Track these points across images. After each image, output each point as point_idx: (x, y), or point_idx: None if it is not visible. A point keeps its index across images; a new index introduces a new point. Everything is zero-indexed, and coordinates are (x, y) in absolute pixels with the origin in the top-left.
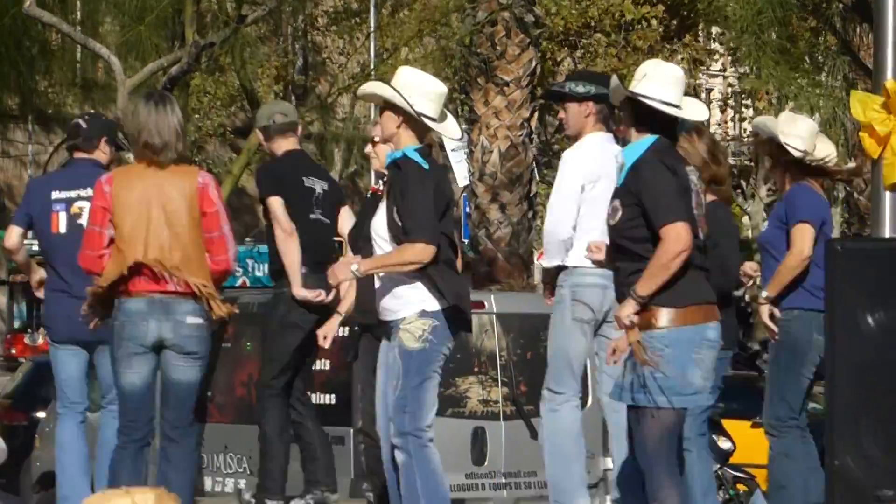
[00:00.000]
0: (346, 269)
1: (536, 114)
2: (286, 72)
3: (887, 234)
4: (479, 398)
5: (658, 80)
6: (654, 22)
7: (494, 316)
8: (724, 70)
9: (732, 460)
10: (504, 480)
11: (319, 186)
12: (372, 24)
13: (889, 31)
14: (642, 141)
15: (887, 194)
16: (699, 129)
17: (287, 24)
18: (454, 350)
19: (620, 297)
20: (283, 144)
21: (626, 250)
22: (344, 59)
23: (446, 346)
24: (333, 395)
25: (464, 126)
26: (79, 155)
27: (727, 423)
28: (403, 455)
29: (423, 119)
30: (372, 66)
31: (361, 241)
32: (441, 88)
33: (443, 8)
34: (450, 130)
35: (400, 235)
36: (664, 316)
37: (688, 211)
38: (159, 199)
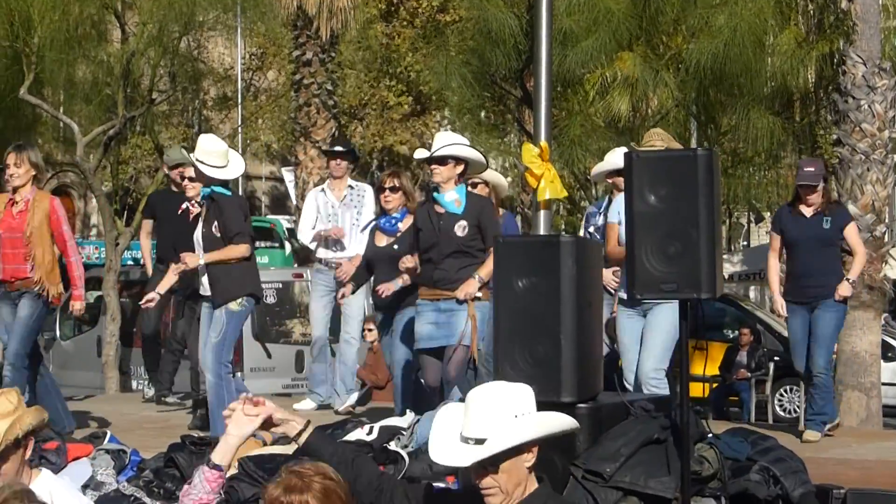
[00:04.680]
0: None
1: None
2: (187, 133)
3: (542, 232)
4: (300, 332)
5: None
6: (405, 105)
7: (309, 282)
8: None
9: None
10: None
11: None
12: (239, 104)
13: (542, 113)
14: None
15: (541, 210)
16: None
17: (189, 104)
18: (285, 300)
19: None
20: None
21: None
22: (221, 125)
23: None
24: None
25: (293, 166)
26: None
27: None
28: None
29: None
30: (239, 130)
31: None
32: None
33: (279, 94)
34: None
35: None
36: None
37: None
38: None
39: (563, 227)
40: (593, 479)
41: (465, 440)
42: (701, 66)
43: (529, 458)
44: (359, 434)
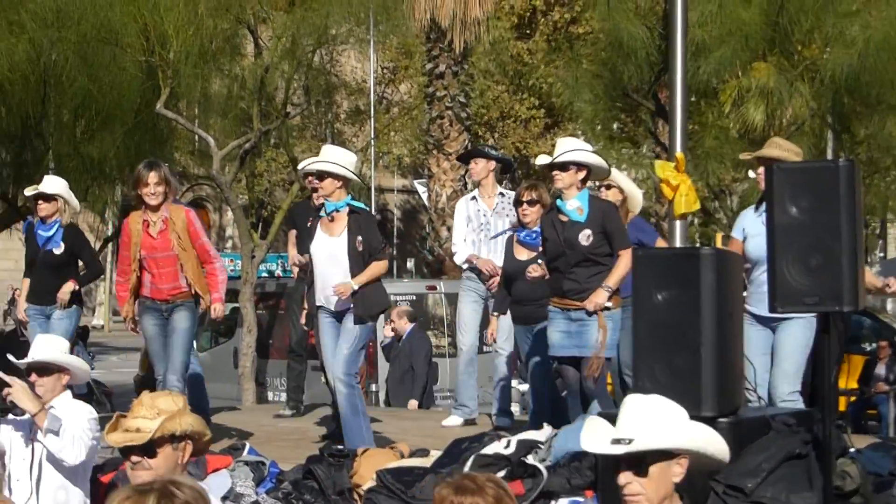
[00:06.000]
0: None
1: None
2: (321, 147)
3: (678, 244)
4: (434, 344)
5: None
6: (539, 119)
7: (443, 294)
8: None
9: None
10: (448, 393)
11: None
12: (372, 117)
13: (678, 125)
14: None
15: (677, 221)
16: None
17: (323, 117)
18: (418, 313)
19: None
20: None
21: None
22: (354, 138)
23: None
24: None
25: (425, 179)
26: None
27: None
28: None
29: None
30: (372, 143)
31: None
32: None
33: (412, 107)
34: None
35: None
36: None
37: None
38: None
39: (697, 237)
40: (734, 495)
41: (617, 441)
42: (836, 75)
43: (678, 472)
44: (496, 447)
